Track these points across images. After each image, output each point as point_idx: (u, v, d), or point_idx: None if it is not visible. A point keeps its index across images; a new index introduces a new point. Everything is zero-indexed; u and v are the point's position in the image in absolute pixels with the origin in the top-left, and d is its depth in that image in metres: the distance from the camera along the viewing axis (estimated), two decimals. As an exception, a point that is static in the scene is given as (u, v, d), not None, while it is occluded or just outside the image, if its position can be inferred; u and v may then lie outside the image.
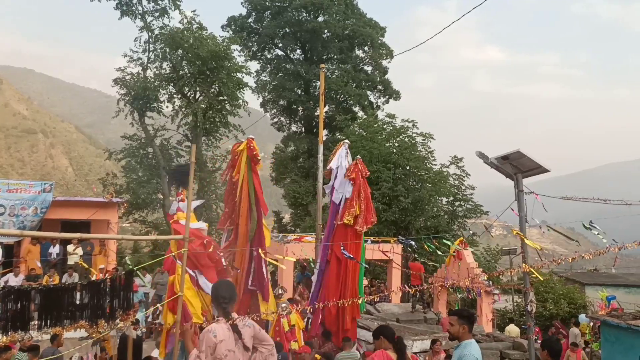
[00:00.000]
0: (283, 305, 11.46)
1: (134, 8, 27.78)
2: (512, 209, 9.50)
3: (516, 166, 9.70)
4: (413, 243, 15.32)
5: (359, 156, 12.74)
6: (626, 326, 10.28)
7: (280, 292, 12.94)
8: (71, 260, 17.94)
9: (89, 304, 4.84)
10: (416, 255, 17.94)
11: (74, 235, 5.12)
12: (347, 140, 12.62)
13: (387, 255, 18.49)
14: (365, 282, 20.38)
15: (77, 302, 4.94)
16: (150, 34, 27.84)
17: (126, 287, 5.30)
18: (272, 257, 13.07)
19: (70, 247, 18.20)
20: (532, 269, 7.87)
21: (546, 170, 9.54)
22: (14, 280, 16.10)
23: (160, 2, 27.91)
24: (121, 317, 5.29)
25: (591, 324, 18.61)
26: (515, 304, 24.44)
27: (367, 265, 16.66)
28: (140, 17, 27.89)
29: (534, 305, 9.36)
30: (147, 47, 28.13)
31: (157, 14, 27.99)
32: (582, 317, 19.23)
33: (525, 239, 8.77)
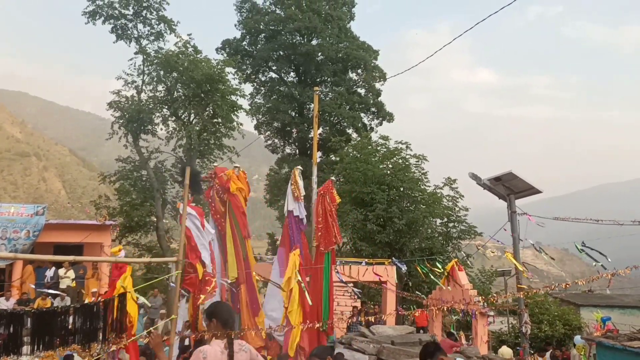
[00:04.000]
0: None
1: (129, 32, 27.99)
2: (506, 230, 9.55)
3: (509, 187, 9.79)
4: (402, 268, 15.30)
5: (332, 177, 13.14)
6: (622, 347, 10.24)
7: None
8: (63, 284, 17.79)
9: (81, 327, 4.80)
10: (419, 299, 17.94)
11: (67, 258, 5.10)
12: (299, 167, 13.03)
13: (380, 279, 18.43)
14: (357, 304, 20.30)
15: (70, 326, 4.90)
16: (145, 57, 27.99)
17: (120, 311, 5.27)
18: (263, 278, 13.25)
19: (61, 271, 18.07)
20: (528, 290, 7.89)
21: (538, 192, 9.62)
22: (5, 304, 15.93)
23: (155, 26, 28.14)
24: (114, 340, 5.25)
25: (587, 345, 18.53)
26: (510, 325, 24.34)
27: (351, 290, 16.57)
28: (135, 40, 28.09)
29: (528, 327, 9.36)
30: (142, 70, 28.26)
31: (152, 37, 28.19)
32: (577, 339, 19.16)
33: (515, 262, 8.80)
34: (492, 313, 18.47)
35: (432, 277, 15.02)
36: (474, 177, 9.70)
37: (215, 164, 29.69)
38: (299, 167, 13.72)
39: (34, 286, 17.47)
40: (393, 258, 18.93)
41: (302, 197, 12.98)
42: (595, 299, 29.66)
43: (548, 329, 22.86)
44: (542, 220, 9.90)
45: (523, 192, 9.87)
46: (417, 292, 21.89)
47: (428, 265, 14.96)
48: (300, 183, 13.09)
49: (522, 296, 8.22)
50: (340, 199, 12.45)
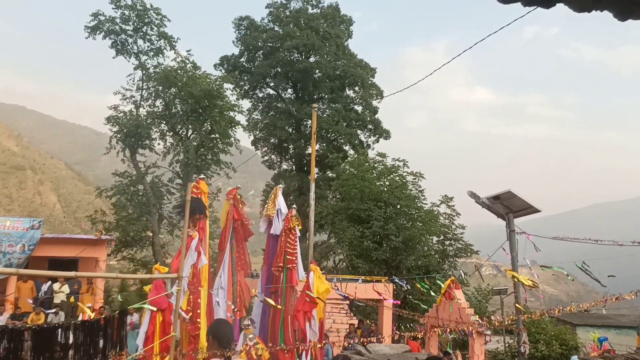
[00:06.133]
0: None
1: (129, 47, 28.14)
2: (504, 249, 9.53)
3: (507, 206, 9.79)
4: (404, 285, 15.29)
5: (294, 205, 13.62)
6: (619, 368, 10.21)
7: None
8: (57, 299, 17.65)
9: (81, 344, 4.75)
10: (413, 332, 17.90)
11: (67, 273, 5.07)
12: (281, 185, 13.47)
13: (380, 295, 18.33)
14: (353, 321, 20.19)
15: (69, 342, 4.84)
16: (144, 72, 28.11)
17: (119, 327, 5.21)
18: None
19: (56, 286, 17.92)
20: (527, 311, 7.86)
21: (537, 210, 9.62)
22: (-1, 319, 15.79)
23: (155, 42, 28.31)
24: (113, 357, 5.18)
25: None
26: (507, 345, 24.19)
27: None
28: (135, 56, 28.22)
29: (527, 347, 9.30)
30: (141, 85, 28.38)
31: (152, 53, 28.34)
32: (574, 359, 19.04)
33: (519, 279, 8.78)
34: (489, 332, 18.35)
35: (432, 293, 15.00)
36: (473, 195, 9.70)
37: (212, 179, 29.70)
38: (282, 185, 14.15)
39: (31, 301, 17.32)
40: (394, 276, 18.87)
41: (273, 214, 13.20)
42: (591, 318, 29.51)
43: (545, 348, 22.72)
44: (539, 239, 9.92)
45: (522, 211, 9.87)
46: (417, 306, 21.79)
47: (427, 282, 14.94)
48: (280, 199, 13.38)
49: (523, 318, 8.16)
50: (300, 225, 13.00)
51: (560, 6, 2.35)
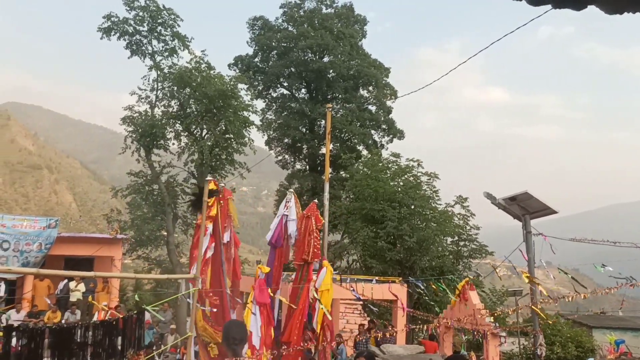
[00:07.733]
0: None
1: (143, 48, 28.30)
2: (521, 251, 9.46)
3: (524, 207, 9.70)
4: (421, 285, 15.25)
5: (316, 200, 13.69)
6: (638, 371, 10.08)
7: None
8: (73, 297, 17.81)
9: (99, 342, 4.79)
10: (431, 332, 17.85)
11: (87, 273, 5.11)
12: (291, 190, 13.68)
13: (396, 296, 18.28)
14: (364, 321, 20.17)
15: (88, 341, 4.88)
16: (158, 72, 28.26)
17: (137, 326, 5.24)
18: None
19: (72, 284, 18.08)
20: (539, 311, 7.79)
21: (554, 212, 9.52)
22: (16, 316, 15.96)
23: (169, 42, 28.45)
24: (131, 356, 5.21)
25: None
26: (522, 346, 24.00)
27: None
28: (149, 56, 28.38)
29: (543, 349, 9.22)
30: (156, 86, 28.54)
31: (167, 53, 28.47)
32: (590, 361, 18.87)
33: (536, 283, 8.70)
34: (503, 334, 18.22)
35: (449, 293, 14.94)
36: (489, 196, 9.63)
37: (226, 179, 29.79)
38: (291, 190, 14.44)
39: (48, 300, 17.50)
40: (410, 278, 18.80)
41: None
42: (607, 320, 29.24)
43: (560, 350, 22.51)
44: (555, 240, 9.83)
45: (538, 212, 9.77)
46: (432, 307, 21.68)
47: (442, 283, 14.90)
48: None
49: (536, 311, 8.09)
50: (322, 221, 13.02)
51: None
